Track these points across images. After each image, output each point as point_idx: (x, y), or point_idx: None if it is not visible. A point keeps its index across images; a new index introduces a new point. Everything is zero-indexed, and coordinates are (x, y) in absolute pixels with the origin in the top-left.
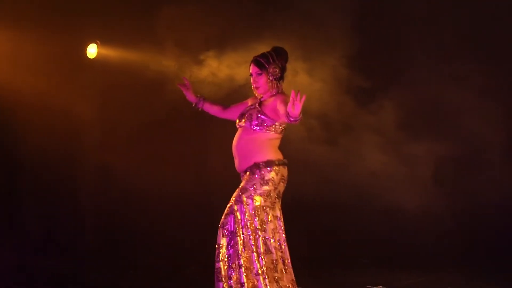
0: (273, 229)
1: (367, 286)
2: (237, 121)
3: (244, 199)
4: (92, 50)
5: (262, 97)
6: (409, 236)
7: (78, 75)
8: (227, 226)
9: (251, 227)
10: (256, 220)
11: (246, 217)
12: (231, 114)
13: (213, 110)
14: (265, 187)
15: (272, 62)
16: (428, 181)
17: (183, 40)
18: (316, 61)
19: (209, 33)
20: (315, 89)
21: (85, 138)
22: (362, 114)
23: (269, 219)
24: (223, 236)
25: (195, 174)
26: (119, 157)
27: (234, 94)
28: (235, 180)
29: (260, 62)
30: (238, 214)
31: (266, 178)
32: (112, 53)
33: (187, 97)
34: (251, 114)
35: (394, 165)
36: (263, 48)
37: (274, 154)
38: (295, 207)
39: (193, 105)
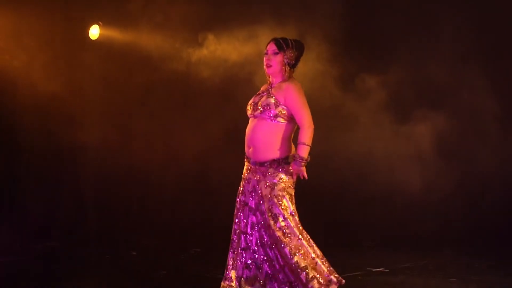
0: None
1: (368, 269)
2: (250, 109)
3: (277, 193)
4: (94, 31)
5: (272, 83)
6: (412, 218)
7: (80, 57)
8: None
9: (291, 219)
10: (291, 207)
11: (283, 210)
12: None
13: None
14: (291, 180)
15: (291, 47)
16: (429, 158)
17: (182, 21)
18: (310, 44)
19: (208, 14)
20: (308, 70)
21: (85, 119)
22: (355, 94)
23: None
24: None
25: (194, 151)
26: (120, 136)
27: (231, 76)
28: (230, 158)
29: (280, 43)
30: (275, 208)
31: (290, 171)
32: (114, 34)
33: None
34: (268, 105)
35: (393, 144)
36: (262, 30)
37: (290, 149)
38: (296, 190)
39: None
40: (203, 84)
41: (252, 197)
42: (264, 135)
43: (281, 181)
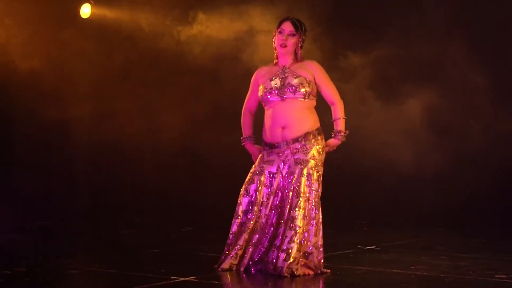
0: None
1: (360, 247)
2: (272, 92)
3: (307, 171)
4: (86, 10)
5: (284, 63)
6: (403, 195)
7: (72, 35)
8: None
9: (316, 199)
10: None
11: (313, 189)
12: (255, 104)
13: (252, 124)
14: (322, 156)
15: (304, 29)
16: (419, 135)
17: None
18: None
19: None
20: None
21: (76, 97)
22: (341, 73)
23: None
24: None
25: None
26: (111, 112)
27: (218, 55)
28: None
29: (297, 24)
30: (305, 188)
31: (322, 146)
32: (106, 12)
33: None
34: (301, 84)
35: (382, 121)
36: (253, 9)
37: (318, 121)
38: None
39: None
40: (192, 62)
41: (276, 178)
42: (298, 113)
43: (313, 158)
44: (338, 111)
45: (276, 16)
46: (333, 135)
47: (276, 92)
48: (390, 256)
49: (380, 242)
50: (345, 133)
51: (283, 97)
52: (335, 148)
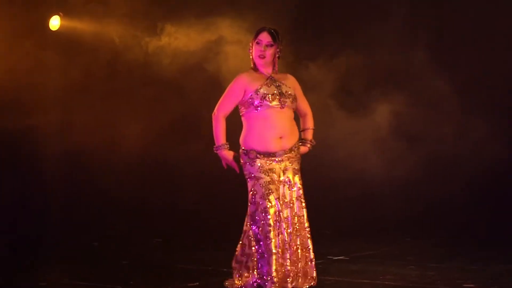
0: None
1: (328, 257)
2: (274, 100)
3: (298, 180)
4: (55, 22)
5: (265, 73)
6: (371, 205)
7: (41, 47)
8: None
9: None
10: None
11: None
12: (231, 110)
13: (223, 127)
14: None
15: (281, 40)
16: (386, 143)
17: (142, 11)
18: None
19: (167, 5)
20: None
21: (49, 108)
22: (304, 83)
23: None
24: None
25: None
26: (82, 120)
27: (188, 66)
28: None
29: (274, 35)
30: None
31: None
32: (75, 24)
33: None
34: (294, 95)
35: (349, 131)
36: (221, 21)
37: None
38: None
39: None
40: (159, 73)
41: (282, 185)
42: (292, 123)
43: (300, 167)
44: (310, 121)
45: (244, 28)
46: (301, 143)
47: (278, 98)
48: (359, 266)
49: (348, 252)
50: (313, 142)
51: (284, 105)
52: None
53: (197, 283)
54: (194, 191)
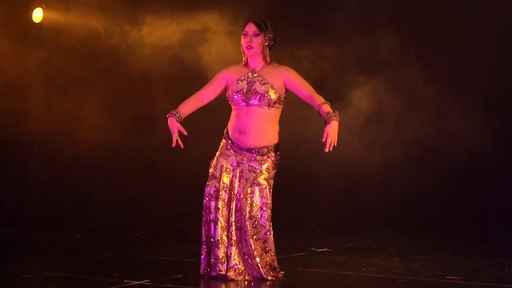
0: None
1: (312, 249)
2: (238, 97)
3: (261, 181)
4: (38, 14)
5: (254, 66)
6: (355, 197)
7: (24, 39)
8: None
9: (268, 210)
10: (270, 202)
11: (265, 200)
12: (209, 96)
13: (191, 109)
14: (274, 171)
15: (270, 28)
16: (367, 135)
17: (123, 2)
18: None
19: None
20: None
21: (31, 102)
22: None
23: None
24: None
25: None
26: (66, 120)
27: (172, 58)
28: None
29: (260, 24)
30: (257, 197)
31: (276, 162)
32: (57, 16)
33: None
34: (266, 92)
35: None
36: (202, 14)
37: (279, 135)
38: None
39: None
40: (139, 65)
41: (233, 176)
42: (259, 123)
43: (267, 170)
44: (318, 98)
45: (227, 21)
46: (325, 120)
47: (241, 96)
48: (342, 258)
49: (332, 244)
50: (335, 113)
51: (248, 103)
52: (336, 131)
53: (181, 275)
54: (169, 185)
